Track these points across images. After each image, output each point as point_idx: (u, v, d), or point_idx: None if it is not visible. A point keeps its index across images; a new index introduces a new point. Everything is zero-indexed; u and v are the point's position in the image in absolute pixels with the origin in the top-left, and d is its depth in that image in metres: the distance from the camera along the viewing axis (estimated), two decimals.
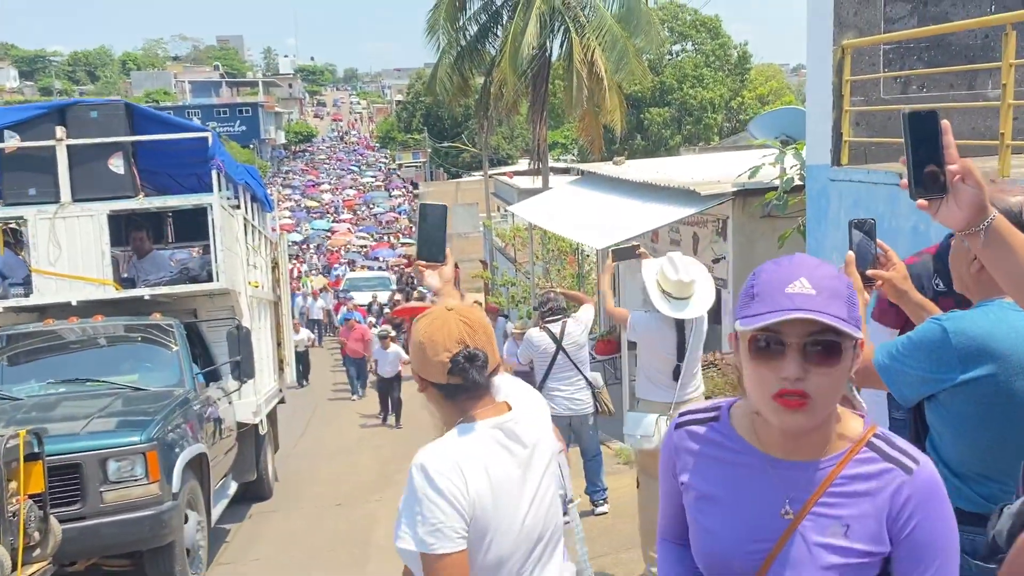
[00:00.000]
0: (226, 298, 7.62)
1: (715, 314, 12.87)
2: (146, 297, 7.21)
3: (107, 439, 5.50)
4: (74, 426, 5.62)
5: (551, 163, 23.67)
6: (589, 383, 6.01)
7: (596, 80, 18.93)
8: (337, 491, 9.17)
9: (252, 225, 9.01)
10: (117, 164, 7.13)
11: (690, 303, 4.32)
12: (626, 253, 5.30)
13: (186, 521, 5.81)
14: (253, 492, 8.52)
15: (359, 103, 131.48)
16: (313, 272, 31.08)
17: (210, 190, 7.36)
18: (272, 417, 9.50)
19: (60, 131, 6.96)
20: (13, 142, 6.97)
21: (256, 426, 8.12)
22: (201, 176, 7.99)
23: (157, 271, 7.61)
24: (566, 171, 23.90)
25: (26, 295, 7.10)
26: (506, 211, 25.64)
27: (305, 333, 17.56)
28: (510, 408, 2.00)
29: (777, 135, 9.36)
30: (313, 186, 66.81)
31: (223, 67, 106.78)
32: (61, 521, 5.04)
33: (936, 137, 1.49)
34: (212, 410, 6.94)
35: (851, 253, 2.07)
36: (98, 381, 6.60)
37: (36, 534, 4.69)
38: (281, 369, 10.21)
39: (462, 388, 1.94)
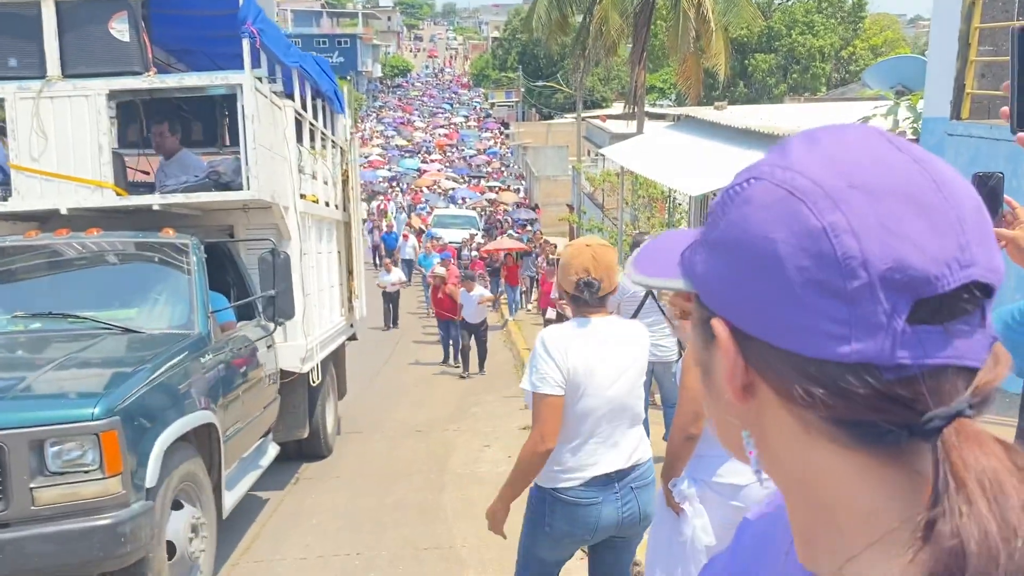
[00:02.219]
0: (267, 214, 6.10)
1: None
2: (155, 207, 5.62)
3: (45, 410, 3.83)
4: (2, 388, 4.02)
5: (647, 108, 23.12)
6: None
7: (703, 22, 18.28)
8: (417, 418, 9.39)
9: (312, 124, 7.44)
10: (120, 29, 5.50)
11: None
12: None
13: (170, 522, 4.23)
14: (305, 451, 7.33)
15: (455, 39, 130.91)
16: (399, 211, 31.14)
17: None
18: (338, 358, 8.34)
19: None
20: None
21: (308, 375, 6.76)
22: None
23: (184, 174, 5.92)
24: (662, 117, 23.31)
25: (3, 198, 5.53)
26: (597, 154, 25.26)
27: (397, 274, 16.21)
28: (616, 319, 2.99)
29: (893, 85, 8.86)
30: (405, 123, 67.12)
31: None
32: None
33: None
34: (238, 358, 5.49)
35: None
36: (82, 318, 4.95)
37: None
38: (351, 304, 8.81)
39: (582, 300, 2.86)
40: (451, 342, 12.74)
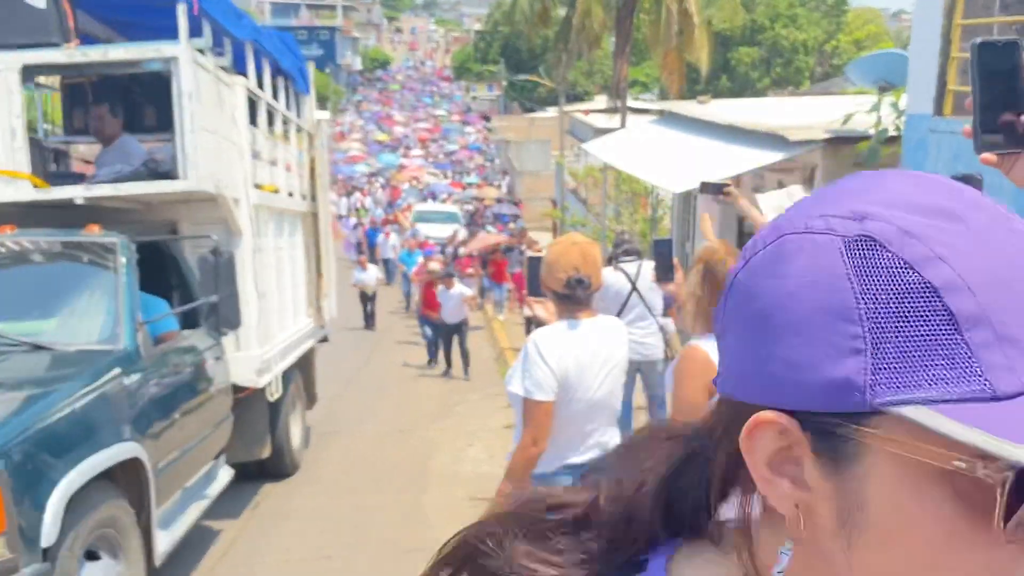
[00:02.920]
0: (214, 207, 5.36)
1: None
2: (78, 201, 4.90)
3: None
4: None
5: (630, 102, 23.08)
6: (661, 328, 5.88)
7: (685, 15, 18.27)
8: (399, 418, 9.31)
9: (271, 105, 6.71)
10: None
11: None
12: (713, 188, 5.08)
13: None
14: (268, 470, 6.64)
15: (436, 31, 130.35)
16: (376, 206, 30.69)
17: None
18: (306, 364, 7.60)
19: None
20: None
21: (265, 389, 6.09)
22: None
23: (122, 163, 5.22)
24: (645, 111, 23.27)
25: None
26: (580, 150, 25.23)
27: (374, 271, 15.63)
28: (603, 318, 3.00)
29: (876, 80, 8.86)
30: (386, 117, 66.66)
31: None
32: None
33: (1015, 75, 1.16)
34: (176, 375, 4.80)
35: None
36: None
37: None
38: (320, 304, 8.06)
39: (571, 299, 2.85)
40: (439, 342, 12.06)
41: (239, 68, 6.24)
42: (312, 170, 8.00)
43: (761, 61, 35.76)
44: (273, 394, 6.20)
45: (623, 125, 18.89)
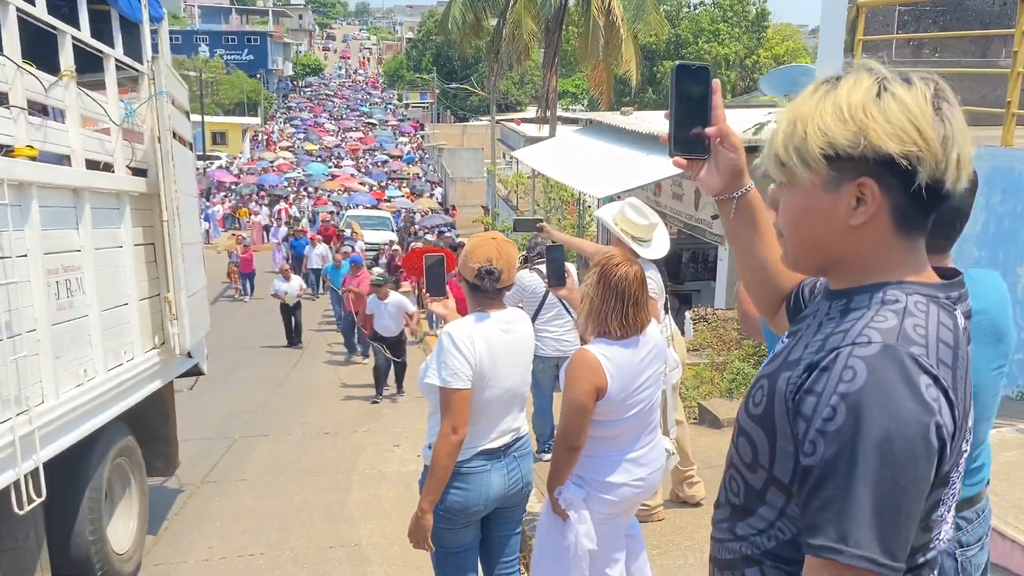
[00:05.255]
0: None
1: (707, 269, 12.92)
2: None
3: None
4: None
5: (560, 112, 23.44)
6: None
7: (612, 29, 18.67)
8: (326, 422, 9.31)
9: (49, 27, 4.31)
10: None
11: (652, 244, 4.40)
12: (527, 225, 5.28)
13: None
14: None
15: (369, 39, 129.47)
16: (303, 216, 29.69)
17: None
18: (155, 417, 5.73)
19: None
20: None
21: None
22: None
23: None
24: (574, 121, 23.67)
25: None
26: (511, 158, 25.47)
27: (297, 282, 14.37)
28: (509, 311, 3.03)
29: (787, 92, 9.26)
30: (316, 125, 65.62)
31: None
32: None
33: (706, 94, 1.40)
34: None
35: None
36: None
37: None
38: (172, 327, 5.34)
39: (480, 289, 2.92)
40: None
41: None
42: (155, 134, 5.31)
43: None
44: (22, 503, 3.64)
45: (552, 134, 19.21)
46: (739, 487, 1.27)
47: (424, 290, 3.21)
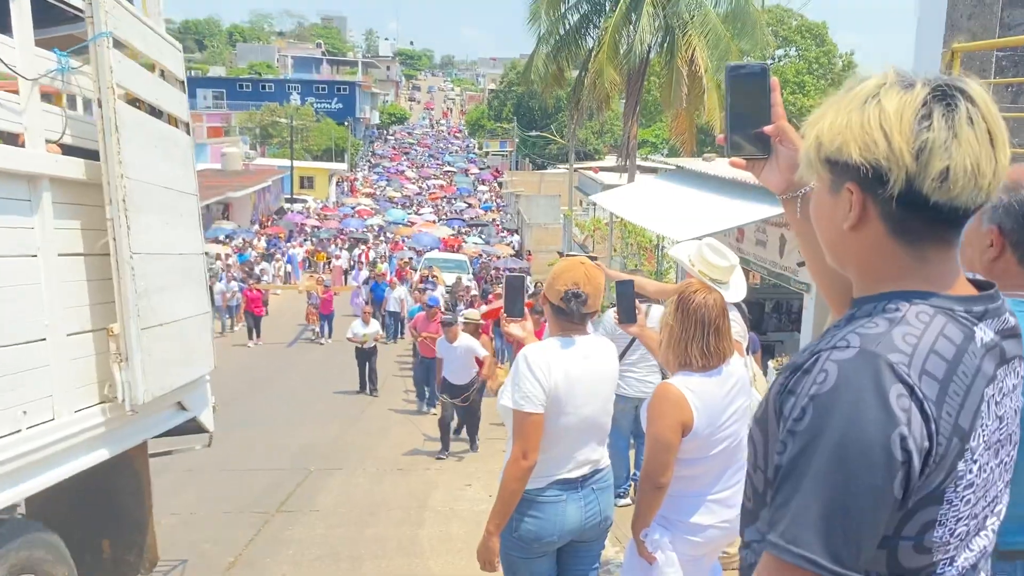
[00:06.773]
0: None
1: (791, 320, 12.58)
2: None
3: None
4: None
5: (639, 161, 23.46)
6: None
7: (695, 79, 18.67)
8: (398, 457, 9.33)
9: None
10: None
11: (730, 286, 4.25)
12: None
13: None
14: None
15: (453, 89, 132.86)
16: (380, 260, 30.01)
17: None
18: (123, 491, 4.39)
19: None
20: None
21: None
22: None
23: None
24: (653, 170, 23.65)
25: None
26: (588, 204, 25.52)
27: (376, 326, 13.81)
28: (593, 337, 2.94)
29: None
30: (398, 173, 66.89)
31: (325, 45, 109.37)
32: None
33: (764, 94, 1.39)
34: None
35: None
36: None
37: None
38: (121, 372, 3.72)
39: (565, 313, 2.86)
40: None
41: None
42: (100, 101, 3.61)
43: None
44: None
45: (631, 183, 19.19)
46: (750, 491, 1.29)
47: (504, 313, 3.12)
